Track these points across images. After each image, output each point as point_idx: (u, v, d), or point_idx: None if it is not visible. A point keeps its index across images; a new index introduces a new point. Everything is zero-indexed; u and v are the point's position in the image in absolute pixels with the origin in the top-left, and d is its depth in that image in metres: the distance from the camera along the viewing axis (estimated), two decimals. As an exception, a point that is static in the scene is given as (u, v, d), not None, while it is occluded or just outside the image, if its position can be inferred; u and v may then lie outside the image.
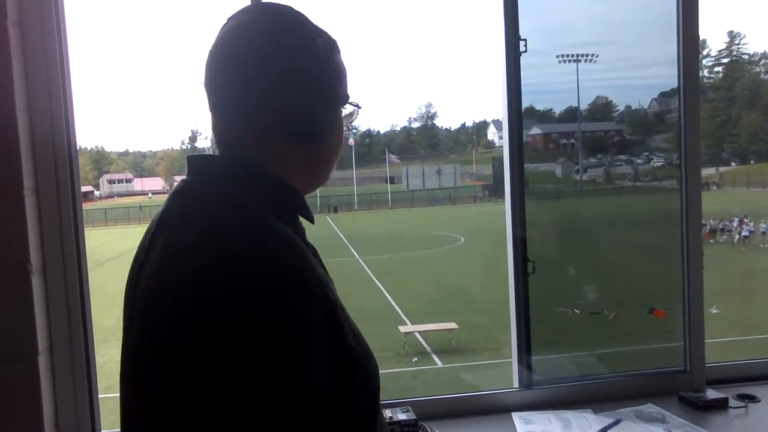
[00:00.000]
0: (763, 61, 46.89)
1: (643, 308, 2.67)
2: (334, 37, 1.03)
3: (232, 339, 0.79)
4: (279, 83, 0.95)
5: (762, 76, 46.81)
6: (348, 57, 1.06)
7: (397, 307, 16.46)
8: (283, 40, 0.97)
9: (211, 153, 1.04)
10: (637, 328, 2.72)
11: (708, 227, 21.73)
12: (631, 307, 2.76)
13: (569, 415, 2.17)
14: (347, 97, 1.03)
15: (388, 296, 17.63)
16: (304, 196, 1.02)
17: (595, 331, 2.73)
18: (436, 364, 12.80)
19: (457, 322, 14.03)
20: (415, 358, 12.79)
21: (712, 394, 2.24)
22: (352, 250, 24.46)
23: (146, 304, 0.90)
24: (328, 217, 31.74)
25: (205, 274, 0.82)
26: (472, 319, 14.67)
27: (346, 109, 1.05)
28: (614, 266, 2.81)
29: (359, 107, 1.06)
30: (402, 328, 13.94)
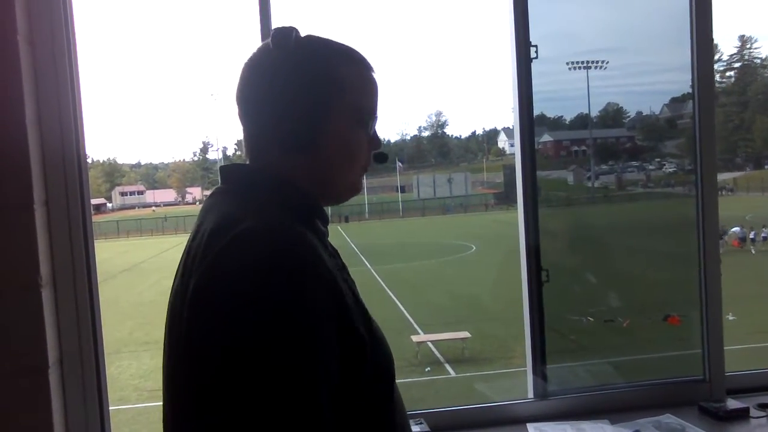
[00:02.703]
0: (775, 65, 46.70)
1: (658, 315, 2.65)
2: (354, 52, 1.09)
3: (239, 322, 0.84)
4: (276, 100, 1.03)
5: (774, 80, 46.59)
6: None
7: (409, 317, 16.41)
8: (294, 60, 1.03)
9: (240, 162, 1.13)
10: (652, 335, 2.69)
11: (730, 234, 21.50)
12: (645, 315, 2.73)
13: (586, 425, 2.14)
14: (351, 107, 1.06)
15: (400, 305, 17.59)
16: (327, 205, 1.10)
17: (609, 339, 2.71)
18: (449, 374, 12.74)
19: (470, 331, 13.96)
20: (428, 368, 12.72)
21: (732, 404, 2.20)
22: (364, 259, 24.44)
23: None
24: (339, 227, 31.76)
25: (220, 261, 0.89)
26: (485, 328, 14.60)
27: (350, 118, 1.06)
28: (628, 273, 2.79)
29: (366, 116, 1.08)
30: (414, 338, 13.88)
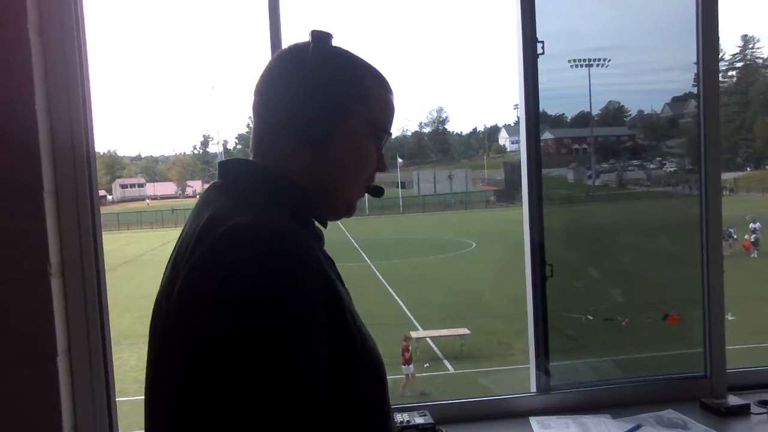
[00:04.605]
0: (777, 65, 46.66)
1: (657, 314, 2.66)
2: (380, 74, 1.12)
3: (218, 321, 0.83)
4: (301, 91, 1.04)
5: (776, 80, 46.57)
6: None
7: (408, 313, 16.45)
8: (326, 61, 1.06)
9: (241, 157, 1.12)
10: (651, 334, 2.71)
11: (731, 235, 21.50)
12: (645, 313, 2.75)
13: (587, 419, 2.15)
14: (369, 119, 1.08)
15: (399, 302, 17.61)
16: (327, 220, 1.10)
17: (608, 337, 2.72)
18: (448, 370, 12.78)
19: (469, 327, 14.00)
20: (427, 364, 12.77)
21: (733, 400, 2.22)
22: (364, 255, 24.46)
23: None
24: (339, 223, 31.54)
25: (208, 257, 0.88)
26: (484, 325, 14.64)
27: (366, 128, 1.09)
28: (628, 272, 2.81)
29: (381, 132, 1.11)
30: (414, 334, 13.90)
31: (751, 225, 22.47)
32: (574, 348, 2.58)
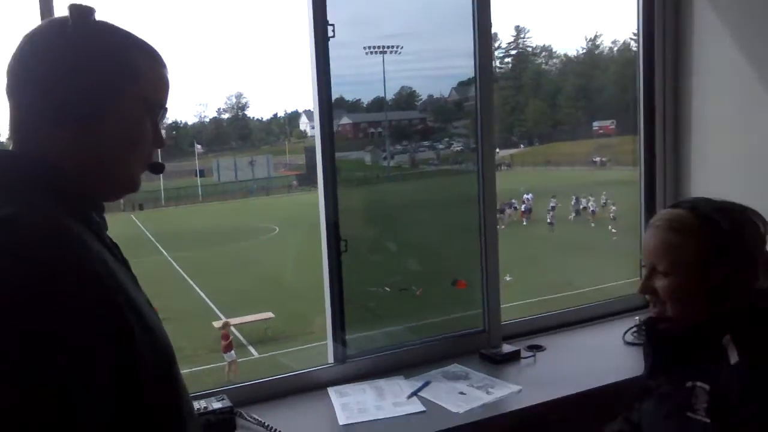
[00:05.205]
0: (543, 53, 51.48)
1: (448, 281, 2.87)
2: (151, 47, 1.07)
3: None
4: (62, 71, 0.97)
5: (543, 66, 51.40)
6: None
7: (210, 303, 16.07)
8: (90, 37, 1.00)
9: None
10: (443, 299, 2.90)
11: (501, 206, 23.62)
12: (437, 282, 2.93)
13: (382, 383, 2.29)
14: (141, 97, 1.04)
15: (200, 293, 17.14)
16: (101, 200, 1.05)
17: (405, 306, 2.86)
18: (253, 355, 12.71)
19: (274, 311, 14.04)
20: (231, 352, 12.61)
21: (507, 348, 2.53)
22: (161, 248, 23.36)
23: None
24: (132, 216, 29.83)
25: None
26: (289, 308, 14.75)
27: (138, 106, 1.04)
28: (421, 245, 2.96)
29: (157, 107, 1.07)
30: (216, 323, 13.65)
31: (525, 196, 24.91)
32: (372, 319, 2.69)
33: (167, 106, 1.11)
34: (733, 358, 1.38)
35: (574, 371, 2.36)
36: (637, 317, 2.67)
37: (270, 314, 13.92)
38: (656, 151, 2.98)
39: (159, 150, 1.13)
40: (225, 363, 11.91)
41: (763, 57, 2.56)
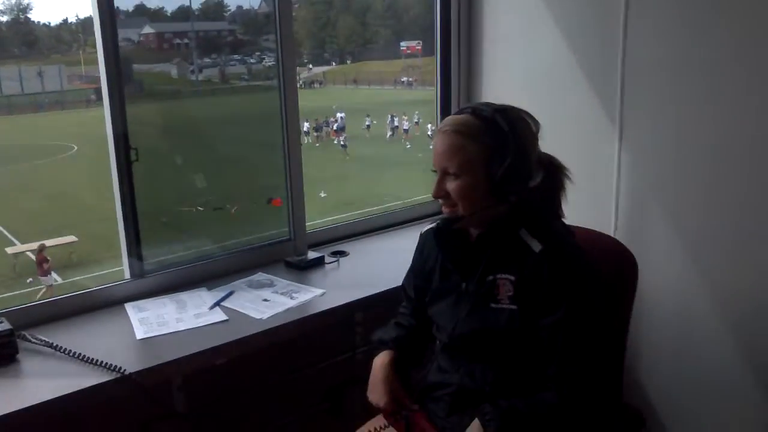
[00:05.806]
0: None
1: (262, 199, 2.87)
2: None
3: None
4: None
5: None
6: None
7: (1, 228, 14.70)
8: None
9: None
10: (258, 217, 2.92)
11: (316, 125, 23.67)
12: (253, 200, 2.93)
13: (184, 296, 2.28)
14: None
15: (-11, 217, 15.58)
16: None
17: (219, 225, 2.83)
18: (56, 281, 11.96)
19: (77, 234, 13.17)
20: (30, 279, 11.76)
21: (312, 255, 2.61)
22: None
23: None
24: None
25: None
26: (94, 230, 13.89)
27: None
28: (234, 163, 2.94)
29: None
30: (9, 250, 12.58)
31: (337, 114, 25.10)
32: (184, 240, 2.65)
33: None
34: (536, 247, 1.55)
35: (375, 272, 2.50)
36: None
37: (73, 238, 13.06)
38: (451, 69, 3.13)
39: None
40: (25, 291, 11.17)
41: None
